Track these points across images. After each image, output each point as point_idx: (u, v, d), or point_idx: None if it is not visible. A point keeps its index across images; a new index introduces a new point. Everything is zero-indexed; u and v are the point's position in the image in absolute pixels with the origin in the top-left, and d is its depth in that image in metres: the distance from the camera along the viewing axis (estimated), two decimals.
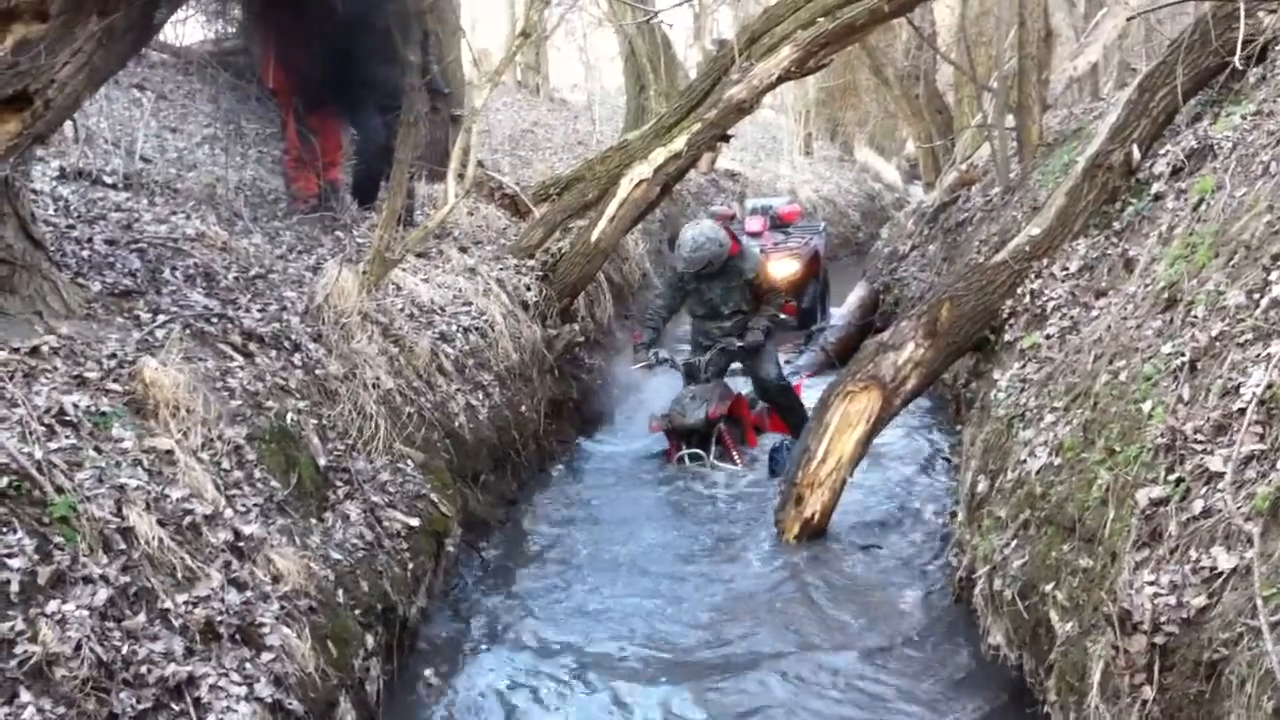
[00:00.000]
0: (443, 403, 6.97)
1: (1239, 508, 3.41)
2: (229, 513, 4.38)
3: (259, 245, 7.31)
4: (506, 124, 17.67)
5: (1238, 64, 6.11)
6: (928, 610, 5.91)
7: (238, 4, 9.54)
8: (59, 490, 3.73)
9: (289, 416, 5.31)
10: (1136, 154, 6.81)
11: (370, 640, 4.81)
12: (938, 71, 20.11)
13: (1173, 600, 3.42)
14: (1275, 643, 2.90)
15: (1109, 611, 3.64)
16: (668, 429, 8.61)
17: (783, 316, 9.05)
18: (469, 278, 8.37)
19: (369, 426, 5.93)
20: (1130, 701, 3.47)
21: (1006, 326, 6.77)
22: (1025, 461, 5.12)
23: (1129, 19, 12.53)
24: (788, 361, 10.82)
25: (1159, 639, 3.40)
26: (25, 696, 3.13)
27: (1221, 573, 3.34)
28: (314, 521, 5.01)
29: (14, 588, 3.34)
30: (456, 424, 6.99)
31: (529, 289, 8.90)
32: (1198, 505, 3.62)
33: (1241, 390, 3.80)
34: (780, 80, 9.36)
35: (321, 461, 5.36)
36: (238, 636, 3.92)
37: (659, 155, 9.27)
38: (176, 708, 3.47)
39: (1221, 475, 3.59)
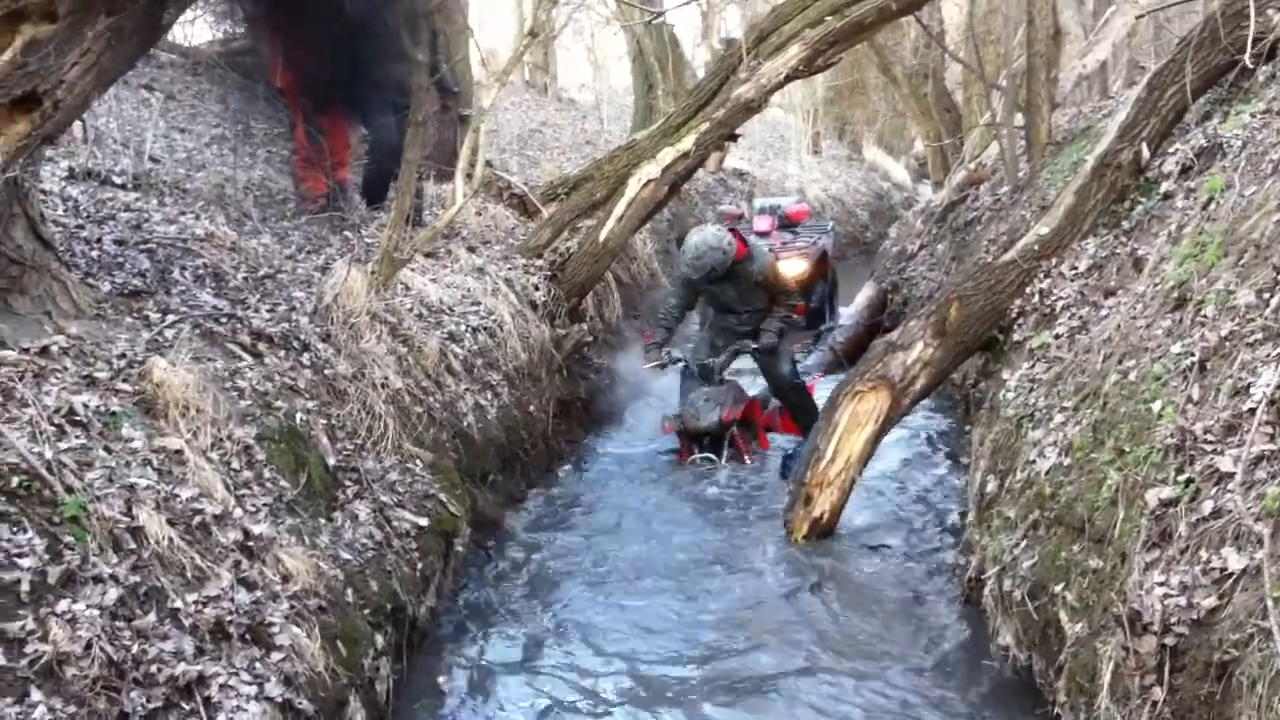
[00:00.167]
0: (451, 402, 6.98)
1: (1249, 508, 3.40)
2: (238, 512, 4.39)
3: (268, 245, 7.32)
4: (515, 123, 17.66)
5: (1248, 62, 6.10)
6: (937, 611, 5.89)
7: (246, 4, 9.53)
8: (69, 490, 3.74)
9: (298, 416, 5.32)
10: (1146, 153, 6.79)
11: (380, 640, 4.82)
12: (946, 70, 20.09)
13: (1183, 601, 3.42)
14: None
15: (1119, 612, 3.64)
16: (680, 430, 8.61)
17: (794, 317, 9.04)
18: (477, 277, 8.38)
19: (378, 426, 5.94)
20: (1140, 702, 3.47)
21: (1015, 326, 6.76)
22: (1034, 462, 5.11)
23: (1138, 17, 12.49)
24: (795, 361, 10.79)
25: (1169, 640, 3.39)
26: (36, 695, 3.13)
27: (1232, 573, 3.33)
28: (323, 521, 5.02)
29: (25, 587, 3.35)
30: (465, 424, 7.00)
31: (537, 289, 8.90)
32: (1208, 506, 3.61)
33: (1252, 390, 3.79)
34: (788, 79, 9.35)
35: (331, 461, 5.37)
36: (248, 636, 3.93)
37: (667, 155, 9.27)
38: (187, 707, 3.47)
39: (1232, 476, 3.58)
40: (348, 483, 5.42)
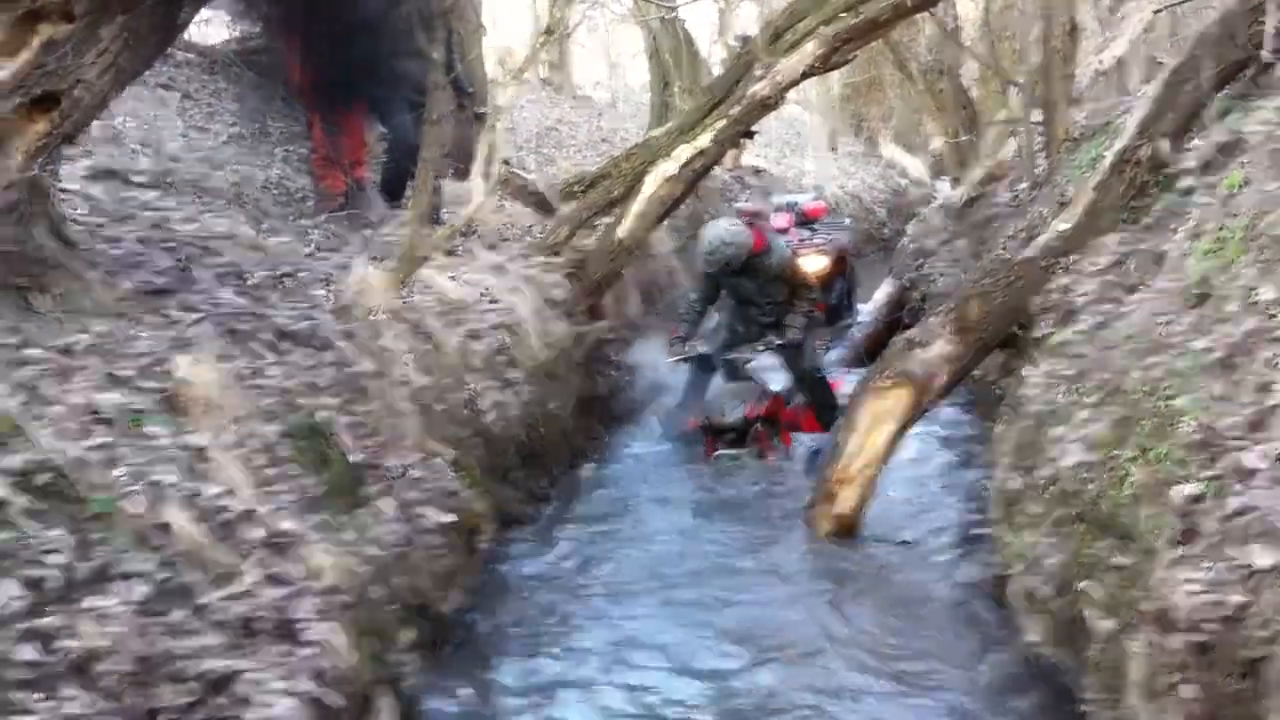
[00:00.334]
0: (472, 400, 6.98)
1: (1276, 505, 3.39)
2: (264, 509, 4.40)
3: (288, 243, 7.35)
4: (531, 121, 17.65)
5: (1265, 56, 6.08)
6: (964, 608, 5.85)
7: (262, 3, 9.56)
8: (95, 487, 3.76)
9: (321, 414, 5.34)
10: (1166, 148, 6.76)
11: (406, 636, 4.83)
12: (962, 66, 20.00)
13: (1210, 598, 3.41)
14: None
15: (1146, 609, 3.63)
16: (704, 426, 8.62)
17: (815, 313, 9.05)
18: (496, 275, 8.38)
19: (400, 423, 5.95)
20: (1169, 700, 3.46)
21: (1037, 322, 6.73)
22: (1058, 459, 5.10)
23: (1155, 12, 12.43)
24: (820, 356, 10.78)
25: (1197, 637, 3.39)
26: (67, 691, 3.15)
27: (1259, 570, 3.33)
28: (348, 518, 5.03)
29: (54, 584, 3.37)
30: (486, 421, 7.00)
31: (556, 286, 8.91)
32: (1233, 502, 3.60)
33: (1275, 386, 3.78)
34: (804, 76, 9.31)
35: (354, 458, 5.38)
36: (276, 632, 3.94)
37: (683, 152, 9.25)
38: (217, 702, 3.49)
39: (1257, 472, 3.57)
40: (371, 480, 5.43)
